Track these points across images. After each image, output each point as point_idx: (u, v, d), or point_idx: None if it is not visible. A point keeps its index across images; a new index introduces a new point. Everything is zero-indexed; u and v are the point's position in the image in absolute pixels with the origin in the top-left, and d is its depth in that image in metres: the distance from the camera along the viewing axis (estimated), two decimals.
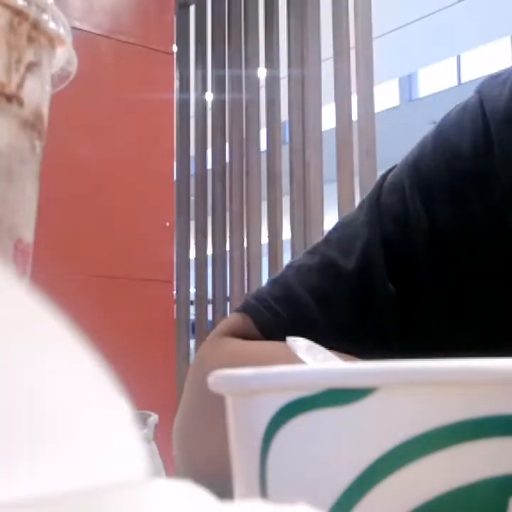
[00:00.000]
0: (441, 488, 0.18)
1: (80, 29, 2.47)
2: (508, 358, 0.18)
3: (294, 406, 0.20)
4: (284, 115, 3.12)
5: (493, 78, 0.59)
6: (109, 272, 2.68)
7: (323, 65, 3.04)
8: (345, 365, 0.20)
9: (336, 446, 0.19)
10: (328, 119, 2.95)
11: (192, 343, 3.46)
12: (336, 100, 2.86)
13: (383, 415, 0.19)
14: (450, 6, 8.96)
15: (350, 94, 2.83)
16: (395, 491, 0.18)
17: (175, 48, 3.08)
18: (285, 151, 3.11)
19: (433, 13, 9.19)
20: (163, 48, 2.91)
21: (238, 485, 0.22)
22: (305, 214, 2.98)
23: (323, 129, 3.01)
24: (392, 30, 8.76)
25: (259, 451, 0.21)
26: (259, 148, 3.29)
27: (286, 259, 3.12)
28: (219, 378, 0.23)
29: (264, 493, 0.21)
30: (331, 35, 2.88)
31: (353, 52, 2.81)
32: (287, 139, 3.14)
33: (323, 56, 3.04)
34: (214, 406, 0.53)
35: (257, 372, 0.22)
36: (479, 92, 0.59)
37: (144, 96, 2.76)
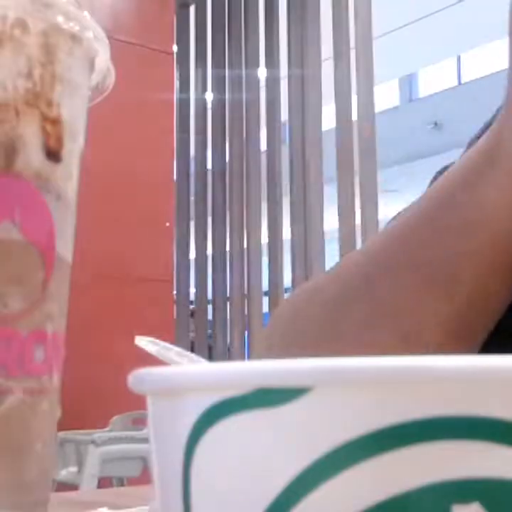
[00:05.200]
0: (381, 495, 0.17)
1: None
2: (453, 356, 0.17)
3: (222, 407, 0.18)
4: (284, 115, 3.12)
5: None
6: (109, 272, 2.68)
7: (323, 65, 3.04)
8: (278, 362, 0.18)
9: (266, 451, 0.18)
10: (328, 119, 2.94)
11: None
12: (336, 100, 2.86)
13: (318, 417, 0.17)
14: (450, 6, 8.95)
15: (350, 94, 2.83)
16: (329, 500, 0.17)
17: (175, 48, 3.08)
18: (285, 151, 3.11)
19: (433, 13, 9.18)
20: (163, 47, 2.91)
21: (159, 496, 0.20)
22: (305, 214, 2.98)
23: (323, 129, 3.01)
24: (392, 30, 8.75)
25: (182, 457, 0.19)
26: (259, 148, 3.28)
27: (287, 259, 3.12)
28: (140, 375, 0.20)
29: (187, 503, 0.19)
30: (331, 36, 2.88)
31: (353, 53, 2.81)
32: (287, 139, 3.14)
33: (323, 56, 3.04)
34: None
35: (181, 370, 0.20)
36: None
37: (144, 96, 2.76)
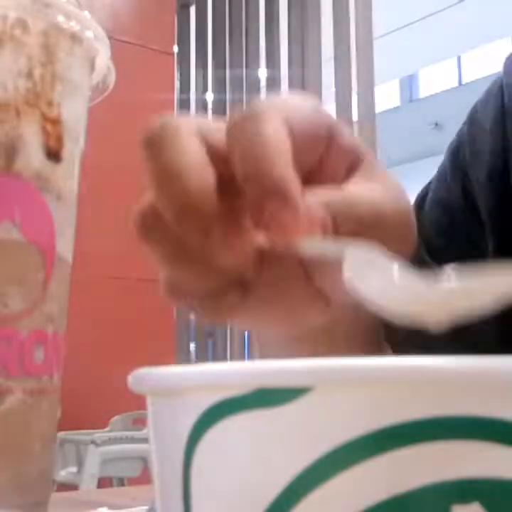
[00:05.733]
0: (381, 495, 0.17)
1: None
2: (449, 356, 0.17)
3: (222, 407, 0.18)
4: None
5: None
6: (109, 273, 2.67)
7: (323, 65, 3.04)
8: (278, 362, 0.18)
9: (267, 451, 0.18)
10: None
11: (192, 344, 3.46)
12: (336, 100, 2.86)
13: (318, 417, 0.17)
14: (450, 6, 8.95)
15: (350, 94, 2.83)
16: (329, 500, 0.17)
17: (175, 48, 3.08)
18: None
19: (433, 13, 9.18)
20: (163, 48, 2.91)
21: (159, 496, 0.21)
22: None
23: None
24: (392, 31, 8.75)
25: (182, 457, 0.19)
26: None
27: None
28: (140, 375, 0.21)
29: (187, 503, 0.19)
30: (332, 36, 2.88)
31: (353, 53, 2.81)
32: None
33: (323, 56, 3.04)
34: None
35: (181, 370, 0.20)
36: (504, 64, 0.56)
37: (144, 96, 2.76)
